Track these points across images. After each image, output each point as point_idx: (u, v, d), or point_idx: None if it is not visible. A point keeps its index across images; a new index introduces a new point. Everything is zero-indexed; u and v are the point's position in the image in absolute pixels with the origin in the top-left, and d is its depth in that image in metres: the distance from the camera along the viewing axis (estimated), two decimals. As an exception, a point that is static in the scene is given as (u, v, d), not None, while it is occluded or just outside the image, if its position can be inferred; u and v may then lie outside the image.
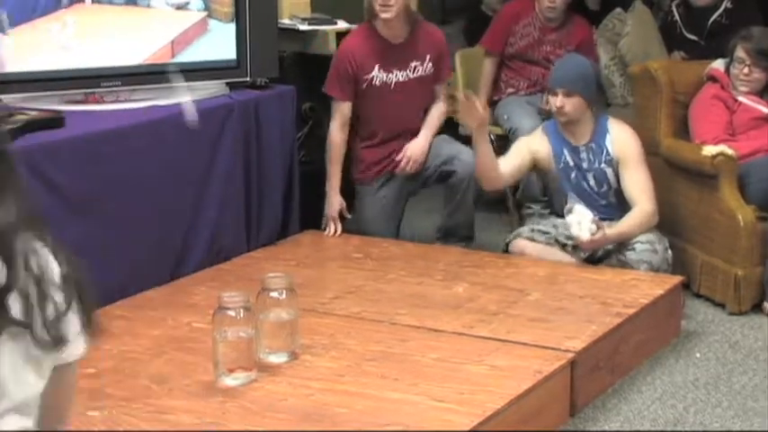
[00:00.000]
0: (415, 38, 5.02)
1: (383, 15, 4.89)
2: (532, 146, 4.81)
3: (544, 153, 4.77)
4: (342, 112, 4.99)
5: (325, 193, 5.03)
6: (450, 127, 6.19)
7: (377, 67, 4.97)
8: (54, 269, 1.79)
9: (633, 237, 4.55)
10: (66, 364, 1.85)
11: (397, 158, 5.02)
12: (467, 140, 5.88)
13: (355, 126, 5.06)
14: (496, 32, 6.00)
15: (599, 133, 4.72)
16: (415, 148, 5.01)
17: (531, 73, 5.93)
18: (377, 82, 4.98)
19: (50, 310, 1.77)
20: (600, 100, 5.21)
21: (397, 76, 4.99)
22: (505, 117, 5.78)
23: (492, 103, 5.97)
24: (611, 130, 4.73)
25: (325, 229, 5.00)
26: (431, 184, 5.14)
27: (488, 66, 5.99)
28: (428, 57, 5.02)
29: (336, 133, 5.00)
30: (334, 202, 5.00)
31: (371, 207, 5.06)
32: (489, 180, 4.76)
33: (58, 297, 1.78)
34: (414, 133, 5.04)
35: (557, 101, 4.66)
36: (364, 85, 4.97)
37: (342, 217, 5.02)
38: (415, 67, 5.01)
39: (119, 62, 4.50)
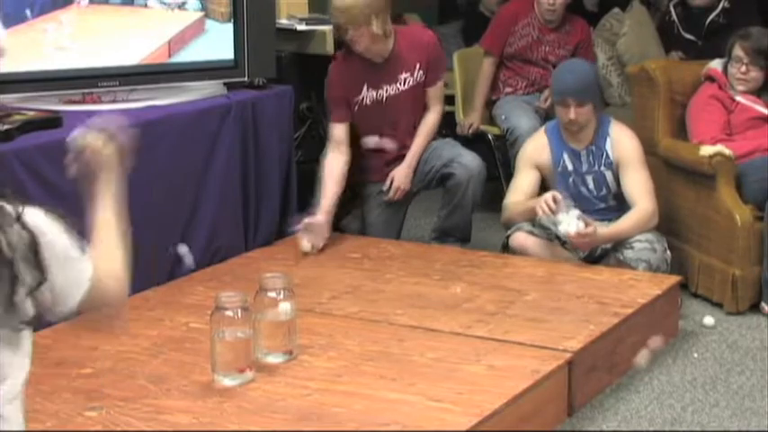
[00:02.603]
0: (399, 50, 4.88)
1: (355, 49, 4.82)
2: (534, 159, 4.75)
3: (545, 160, 4.75)
4: (333, 135, 4.89)
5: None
6: (447, 126, 6.21)
7: (365, 87, 4.88)
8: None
9: (631, 236, 4.54)
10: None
11: (384, 188, 4.92)
12: (464, 141, 5.90)
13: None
14: (496, 33, 6.01)
15: (600, 136, 4.71)
16: (400, 177, 4.92)
17: (530, 73, 5.93)
18: (368, 101, 4.90)
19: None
20: (600, 101, 5.20)
21: (388, 90, 4.89)
22: (503, 117, 5.78)
23: (490, 103, 5.98)
24: (612, 132, 4.71)
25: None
26: (432, 187, 5.11)
27: (487, 66, 5.99)
28: (417, 65, 4.90)
29: (330, 157, 4.85)
30: (319, 219, 4.70)
31: (373, 210, 5.04)
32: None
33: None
34: (410, 135, 4.97)
35: (570, 113, 4.62)
36: (356, 107, 4.91)
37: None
38: (405, 79, 4.89)
39: (116, 62, 4.50)
